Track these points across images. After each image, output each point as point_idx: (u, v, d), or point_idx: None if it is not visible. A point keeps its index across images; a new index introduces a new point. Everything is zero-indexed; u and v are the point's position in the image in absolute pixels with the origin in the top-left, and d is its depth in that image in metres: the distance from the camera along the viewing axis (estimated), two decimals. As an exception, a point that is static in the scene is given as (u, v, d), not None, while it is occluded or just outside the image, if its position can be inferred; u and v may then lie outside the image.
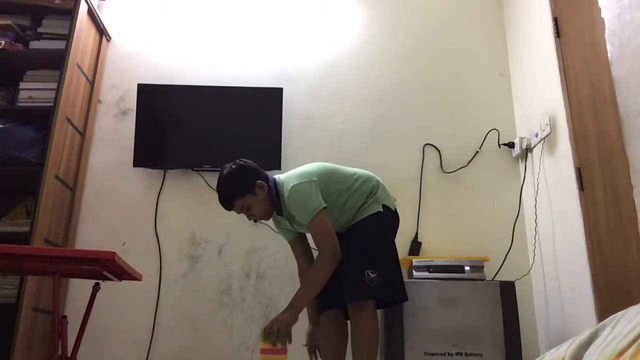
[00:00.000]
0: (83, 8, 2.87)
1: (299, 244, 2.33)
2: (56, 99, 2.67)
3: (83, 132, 2.96)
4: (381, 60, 3.23)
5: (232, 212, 2.17)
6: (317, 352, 2.31)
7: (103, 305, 2.35)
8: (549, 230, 2.63)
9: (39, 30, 2.95)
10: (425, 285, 2.41)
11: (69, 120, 2.79)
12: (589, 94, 2.27)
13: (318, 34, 3.27)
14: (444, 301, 2.36)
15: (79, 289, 2.72)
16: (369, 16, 3.33)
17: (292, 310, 1.96)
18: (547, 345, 2.61)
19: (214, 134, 2.98)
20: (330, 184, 2.16)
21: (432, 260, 2.52)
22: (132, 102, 3.08)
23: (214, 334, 2.76)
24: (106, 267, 1.82)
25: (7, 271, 2.42)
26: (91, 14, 2.98)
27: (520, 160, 3.01)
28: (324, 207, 2.08)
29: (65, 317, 1.91)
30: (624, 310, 1.09)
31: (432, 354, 2.29)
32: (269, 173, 2.23)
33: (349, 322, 2.15)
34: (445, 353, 2.29)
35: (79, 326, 1.95)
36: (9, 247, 1.74)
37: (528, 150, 2.88)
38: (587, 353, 1.03)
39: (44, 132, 2.68)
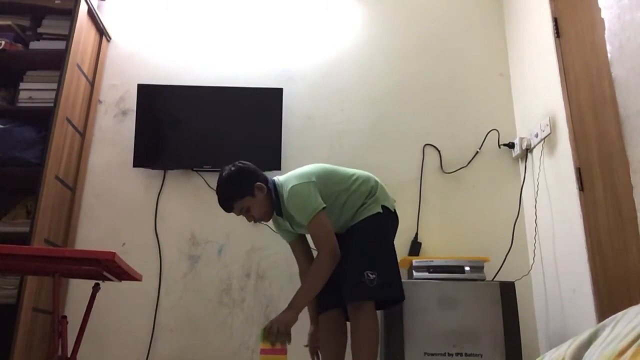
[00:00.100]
0: (83, 8, 2.87)
1: (298, 244, 2.33)
2: (56, 99, 2.67)
3: (83, 133, 2.96)
4: (381, 60, 3.23)
5: (232, 213, 2.17)
6: (319, 353, 2.31)
7: (103, 305, 2.35)
8: (549, 230, 2.63)
9: (39, 30, 2.94)
10: (425, 286, 2.41)
11: (69, 121, 2.79)
12: (589, 94, 2.27)
13: (318, 34, 3.27)
14: (443, 301, 2.36)
15: (79, 289, 2.72)
16: (369, 16, 3.33)
17: (292, 310, 1.96)
18: (547, 346, 2.61)
19: (214, 134, 2.98)
20: (329, 185, 2.16)
21: (432, 261, 2.52)
22: (132, 102, 3.08)
23: (214, 334, 2.76)
24: (106, 267, 1.82)
25: (7, 271, 2.42)
26: (91, 14, 2.98)
27: (520, 161, 3.01)
28: (323, 208, 2.08)
29: (65, 317, 1.91)
30: (624, 311, 1.09)
31: (432, 354, 2.29)
32: (269, 173, 2.23)
33: (348, 322, 2.15)
34: (445, 353, 2.29)
35: (79, 326, 1.95)
36: (9, 247, 1.74)
37: (528, 150, 2.88)
38: (587, 353, 1.03)
39: (44, 132, 2.68)
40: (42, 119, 2.67)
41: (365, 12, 3.33)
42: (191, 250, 2.89)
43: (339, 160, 2.54)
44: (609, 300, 2.11)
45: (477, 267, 2.48)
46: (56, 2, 2.89)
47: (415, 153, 3.06)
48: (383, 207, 2.19)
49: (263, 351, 1.89)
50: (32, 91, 2.84)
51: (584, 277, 2.26)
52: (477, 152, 3.05)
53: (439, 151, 3.06)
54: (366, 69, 3.22)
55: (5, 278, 2.51)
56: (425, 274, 2.47)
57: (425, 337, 2.31)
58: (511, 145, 3.00)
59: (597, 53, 2.17)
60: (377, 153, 3.04)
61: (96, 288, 1.99)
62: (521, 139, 2.91)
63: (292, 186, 2.10)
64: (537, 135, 2.75)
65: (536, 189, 2.74)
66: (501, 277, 2.63)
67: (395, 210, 2.28)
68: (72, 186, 2.85)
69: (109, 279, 1.97)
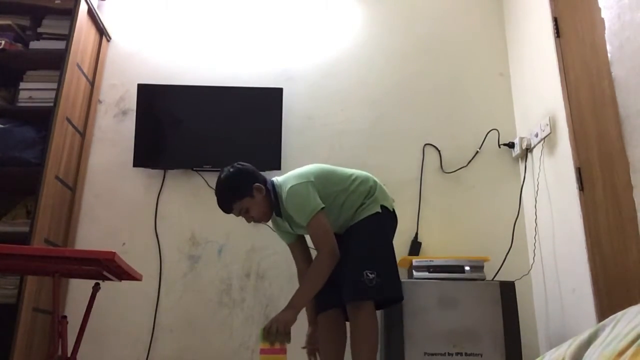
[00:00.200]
0: (83, 8, 2.87)
1: (297, 245, 2.34)
2: (56, 99, 2.67)
3: (83, 132, 2.96)
4: (381, 61, 3.23)
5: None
6: (317, 354, 2.30)
7: (103, 305, 2.35)
8: (549, 230, 2.63)
9: (39, 30, 2.94)
10: (425, 286, 2.40)
11: (69, 121, 2.79)
12: (589, 94, 2.27)
13: (318, 34, 3.27)
14: (443, 301, 2.36)
15: (79, 289, 2.72)
16: (369, 16, 3.33)
17: (291, 309, 1.97)
18: (547, 345, 2.61)
19: (214, 134, 2.98)
20: (327, 185, 2.17)
21: (432, 261, 2.52)
22: (132, 102, 3.08)
23: (214, 334, 2.76)
24: (106, 267, 1.82)
25: (7, 271, 2.42)
26: (91, 14, 2.98)
27: (520, 161, 3.01)
28: (322, 208, 2.08)
29: (65, 317, 1.91)
30: (624, 310, 1.08)
31: (432, 354, 2.29)
32: (269, 173, 2.23)
33: (347, 322, 2.15)
34: (445, 353, 2.29)
35: (79, 326, 1.95)
36: (9, 247, 1.74)
37: (528, 150, 2.88)
38: (587, 353, 1.03)
39: (44, 132, 2.68)
40: (42, 119, 2.67)
41: (365, 12, 3.33)
42: (191, 250, 2.89)
43: (339, 160, 2.54)
44: (608, 300, 2.11)
45: (477, 267, 2.48)
46: (56, 2, 2.89)
47: (415, 153, 3.06)
48: (382, 207, 2.20)
49: (263, 351, 1.89)
50: (32, 91, 2.84)
51: (583, 277, 2.26)
52: (477, 152, 3.05)
53: (439, 151, 3.05)
54: (366, 69, 3.22)
55: (5, 278, 2.50)
56: (425, 274, 2.47)
57: (425, 337, 2.31)
58: (511, 145, 3.00)
59: (597, 53, 2.17)
60: (377, 153, 3.03)
61: (96, 288, 1.99)
62: (521, 138, 2.91)
63: (291, 186, 2.10)
64: (537, 135, 2.75)
65: (536, 188, 2.74)
66: (501, 277, 2.63)
67: (394, 210, 2.28)
68: (72, 186, 2.85)
69: (109, 279, 1.97)
